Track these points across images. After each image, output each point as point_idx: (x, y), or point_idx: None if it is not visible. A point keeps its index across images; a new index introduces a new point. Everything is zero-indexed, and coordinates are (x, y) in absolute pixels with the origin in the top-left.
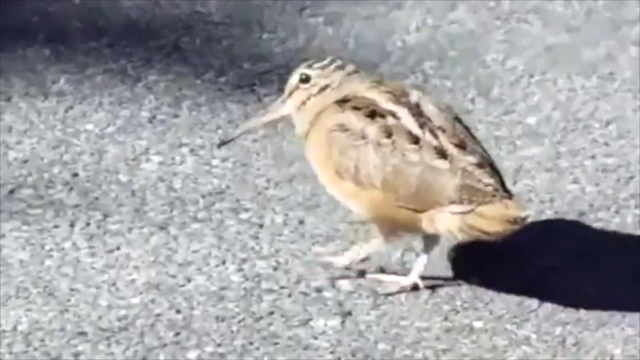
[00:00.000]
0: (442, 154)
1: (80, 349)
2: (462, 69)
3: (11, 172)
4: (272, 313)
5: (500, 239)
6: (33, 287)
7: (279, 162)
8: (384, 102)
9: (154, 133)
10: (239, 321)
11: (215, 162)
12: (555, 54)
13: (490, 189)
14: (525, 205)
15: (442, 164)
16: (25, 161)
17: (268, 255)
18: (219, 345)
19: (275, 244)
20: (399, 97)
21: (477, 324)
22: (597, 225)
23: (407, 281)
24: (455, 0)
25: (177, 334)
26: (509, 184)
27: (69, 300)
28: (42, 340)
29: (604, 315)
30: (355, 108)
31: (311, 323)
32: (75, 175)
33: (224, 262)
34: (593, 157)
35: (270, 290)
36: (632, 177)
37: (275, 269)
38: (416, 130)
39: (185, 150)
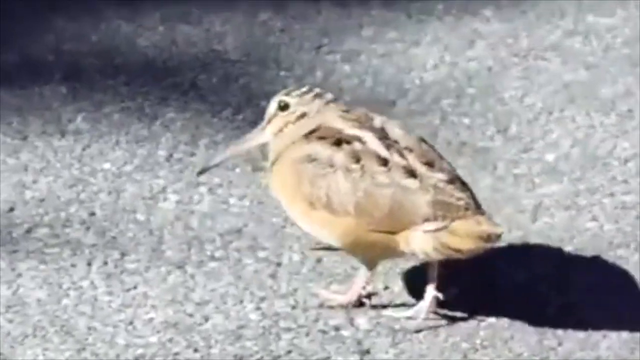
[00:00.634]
0: (411, 173)
1: None
2: (480, 106)
3: (28, 211)
4: (290, 352)
5: (472, 257)
6: (50, 326)
7: None
8: (349, 129)
9: (171, 171)
10: None
11: (232, 200)
12: (574, 91)
13: (462, 202)
14: (497, 223)
15: (412, 182)
16: (42, 200)
17: (286, 294)
18: None
19: (293, 283)
20: (364, 122)
21: None
22: (616, 262)
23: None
24: (473, 38)
25: None
26: (527, 222)
27: (86, 339)
28: None
29: (624, 353)
30: (321, 138)
31: None
32: (93, 214)
33: (241, 301)
34: (612, 194)
35: (288, 329)
36: None
37: (293, 307)
38: (384, 152)
39: (202, 189)
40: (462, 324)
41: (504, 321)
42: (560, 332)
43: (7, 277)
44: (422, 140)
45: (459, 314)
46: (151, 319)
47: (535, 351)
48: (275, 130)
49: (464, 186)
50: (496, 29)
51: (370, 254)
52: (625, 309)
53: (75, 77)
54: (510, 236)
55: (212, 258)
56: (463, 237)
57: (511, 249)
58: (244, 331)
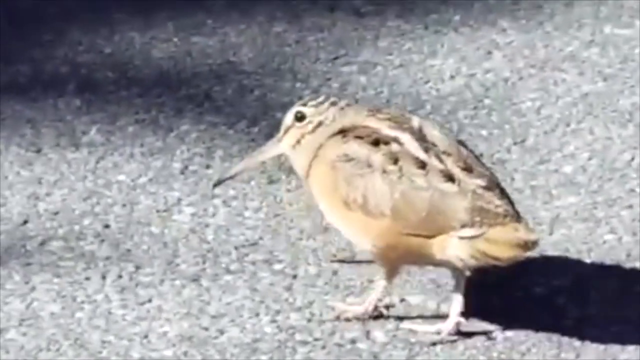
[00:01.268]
0: (449, 177)
1: None
2: (497, 117)
3: (42, 224)
4: None
5: (510, 265)
6: (64, 340)
7: (312, 213)
8: (386, 129)
9: (186, 184)
10: None
11: (247, 213)
12: (591, 102)
13: (501, 210)
14: (534, 229)
15: (450, 187)
16: (56, 213)
17: (302, 307)
18: None
19: (308, 296)
20: (400, 123)
21: None
22: (634, 275)
23: (445, 327)
24: (490, 49)
25: None
26: (545, 234)
27: (100, 353)
28: None
29: None
30: (358, 137)
31: None
32: (107, 226)
33: (257, 314)
34: (630, 206)
35: (304, 342)
36: None
37: (309, 320)
38: (422, 155)
39: (217, 201)
40: (479, 337)
41: (522, 334)
42: (578, 344)
43: (21, 290)
44: (461, 143)
45: (476, 327)
46: (166, 333)
47: None
48: (292, 142)
49: (503, 193)
50: (513, 40)
51: (404, 259)
52: None
53: (89, 89)
54: None
55: (227, 271)
56: (500, 244)
57: (529, 261)
58: (260, 344)
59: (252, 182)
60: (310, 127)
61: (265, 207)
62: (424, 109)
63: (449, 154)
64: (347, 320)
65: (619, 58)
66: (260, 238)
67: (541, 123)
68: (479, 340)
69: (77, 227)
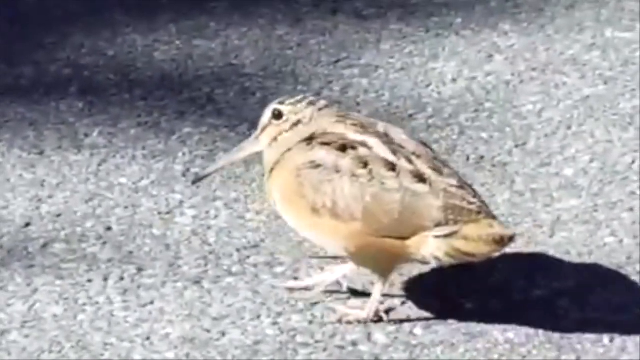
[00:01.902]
0: (420, 178)
1: None
2: (499, 120)
3: (44, 226)
4: None
5: (484, 260)
6: (66, 342)
7: None
8: (352, 134)
9: (187, 186)
10: None
11: (249, 215)
12: (592, 105)
13: (474, 207)
14: (509, 225)
15: (422, 187)
16: (58, 215)
17: (303, 309)
18: None
19: (310, 298)
20: (367, 128)
21: None
22: (635, 278)
23: (363, 315)
24: (491, 52)
25: None
26: (545, 237)
27: (102, 355)
28: None
29: None
30: (324, 143)
31: None
32: (109, 229)
33: (258, 316)
34: (631, 209)
35: (305, 344)
36: None
37: (310, 322)
38: (391, 157)
39: (219, 203)
40: (480, 339)
41: (522, 336)
42: (578, 347)
43: (23, 292)
44: (427, 146)
45: (477, 329)
46: (168, 335)
47: None
48: (269, 140)
49: (474, 191)
50: (515, 43)
51: (379, 261)
52: None
53: (91, 91)
54: (529, 251)
55: (229, 273)
56: (476, 241)
57: (529, 263)
58: (261, 346)
59: (254, 185)
60: (287, 125)
61: (266, 209)
62: (425, 112)
63: (418, 155)
64: (349, 323)
65: (620, 61)
66: (262, 240)
67: (542, 126)
68: (479, 343)
69: (79, 230)
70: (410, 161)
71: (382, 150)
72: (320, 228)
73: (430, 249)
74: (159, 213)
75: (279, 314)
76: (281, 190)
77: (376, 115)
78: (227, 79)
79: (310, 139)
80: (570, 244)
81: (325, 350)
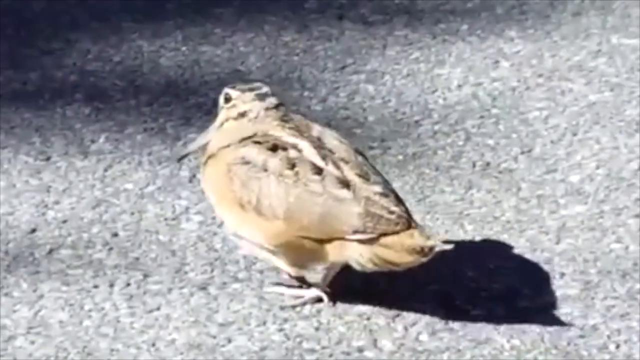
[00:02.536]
0: (345, 184)
1: None
2: (505, 127)
3: (50, 232)
4: None
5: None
6: (72, 348)
7: None
8: (287, 137)
9: (193, 192)
10: None
11: None
12: (598, 112)
13: (394, 216)
14: (433, 235)
15: (345, 193)
16: (65, 221)
17: (309, 315)
18: None
19: (316, 304)
20: (302, 132)
21: None
22: None
23: (309, 294)
24: (497, 58)
25: None
26: (551, 243)
27: None
28: None
29: None
30: (257, 142)
31: None
32: (115, 235)
33: (264, 322)
34: (637, 216)
35: (311, 350)
36: None
37: (316, 329)
38: (319, 161)
39: None
40: (486, 346)
41: (528, 343)
42: (584, 353)
43: (29, 298)
44: (359, 152)
45: (483, 336)
46: (174, 340)
47: None
48: (218, 124)
49: (399, 200)
50: (520, 49)
51: (300, 258)
52: None
53: (97, 97)
54: (534, 258)
55: (235, 279)
56: (397, 250)
57: (535, 270)
58: (267, 352)
59: None
60: (234, 112)
61: None
62: (431, 118)
63: (346, 162)
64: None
65: (626, 68)
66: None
67: (548, 132)
68: (485, 349)
69: (85, 235)
70: (337, 167)
71: (311, 154)
72: (245, 222)
73: (352, 253)
74: (165, 219)
75: (285, 320)
76: (212, 183)
77: (382, 122)
78: None
79: (247, 139)
80: (576, 251)
81: (331, 356)
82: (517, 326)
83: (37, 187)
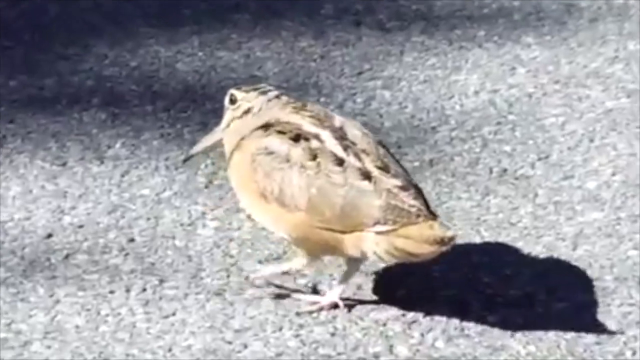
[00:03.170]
0: (366, 175)
1: None
2: (521, 133)
3: (66, 237)
4: None
5: (427, 261)
6: (88, 353)
7: None
8: (307, 125)
9: (210, 198)
10: None
11: None
12: (615, 118)
13: (414, 209)
14: (450, 227)
15: (366, 185)
16: (81, 226)
17: (325, 321)
18: None
19: (332, 310)
20: (323, 121)
21: None
22: None
23: (325, 300)
24: (514, 64)
25: None
26: (568, 250)
27: None
28: None
29: None
30: (280, 132)
31: None
32: (131, 240)
33: (280, 328)
34: None
35: (327, 356)
36: None
37: (332, 334)
38: (340, 152)
39: (242, 215)
40: (502, 352)
41: (544, 349)
42: None
43: (45, 303)
44: (380, 144)
45: (499, 342)
46: (190, 346)
47: None
48: (224, 125)
49: (418, 193)
50: (537, 56)
51: (319, 249)
52: None
53: (114, 103)
54: (551, 264)
55: (251, 285)
56: (416, 241)
57: (551, 276)
58: (283, 358)
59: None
60: (239, 112)
61: None
62: (448, 124)
63: (367, 153)
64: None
65: None
66: (284, 252)
67: (565, 139)
68: (502, 356)
69: (101, 241)
70: (359, 158)
71: (333, 145)
72: (267, 213)
73: (371, 246)
74: (182, 224)
75: (301, 326)
76: (237, 175)
77: (399, 128)
78: None
79: (266, 127)
80: (592, 257)
81: None
82: (533, 332)
83: (54, 193)
